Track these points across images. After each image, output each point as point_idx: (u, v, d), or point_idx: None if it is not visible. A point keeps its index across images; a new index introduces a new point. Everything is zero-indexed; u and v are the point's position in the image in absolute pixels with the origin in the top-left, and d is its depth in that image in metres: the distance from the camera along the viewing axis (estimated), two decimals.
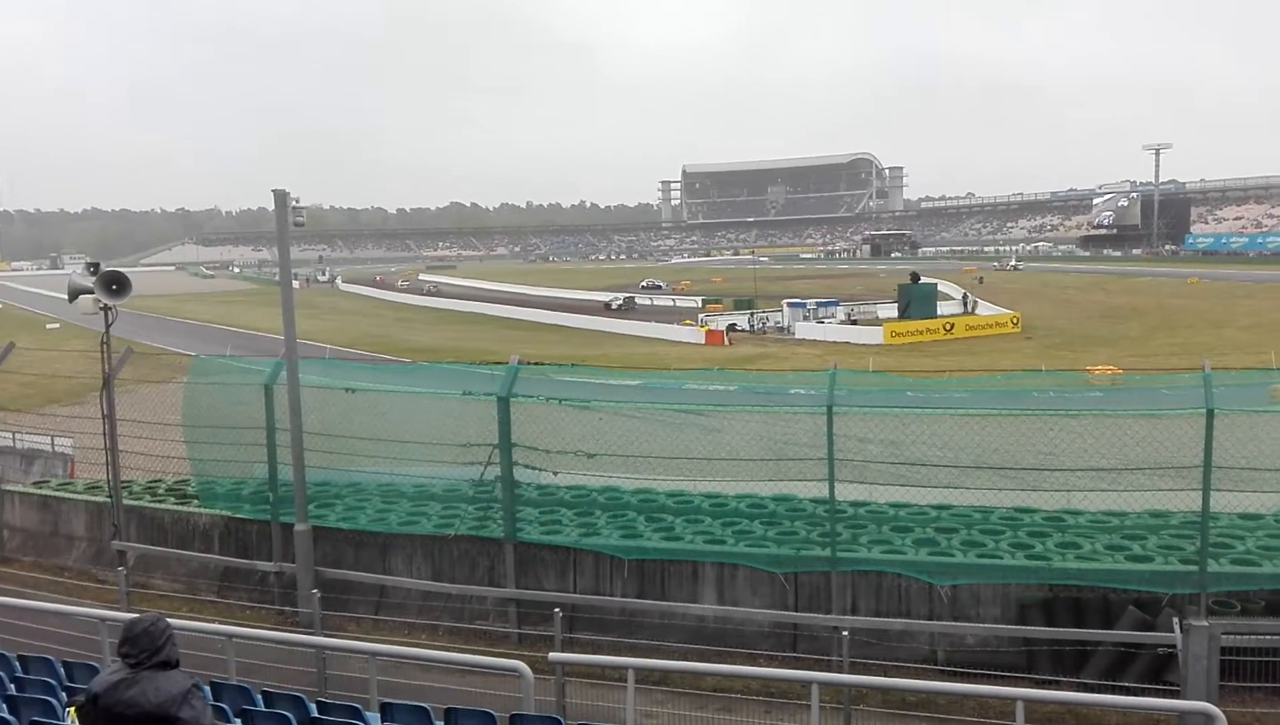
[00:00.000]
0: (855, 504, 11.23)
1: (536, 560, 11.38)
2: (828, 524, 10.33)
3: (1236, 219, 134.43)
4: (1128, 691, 8.57)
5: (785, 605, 10.52)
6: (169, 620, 5.07)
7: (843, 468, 9.99)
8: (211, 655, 8.36)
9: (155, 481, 14.53)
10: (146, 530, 13.52)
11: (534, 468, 11.37)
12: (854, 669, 8.74)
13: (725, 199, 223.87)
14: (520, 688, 7.46)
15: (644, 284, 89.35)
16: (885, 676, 8.65)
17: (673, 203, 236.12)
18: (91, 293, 11.65)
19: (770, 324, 55.59)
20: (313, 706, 6.80)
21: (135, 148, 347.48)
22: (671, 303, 73.82)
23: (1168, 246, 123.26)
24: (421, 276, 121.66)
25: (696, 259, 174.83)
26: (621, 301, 70.11)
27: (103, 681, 4.91)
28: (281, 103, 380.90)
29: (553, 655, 8.32)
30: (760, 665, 9.39)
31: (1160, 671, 9.08)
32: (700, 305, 67.50)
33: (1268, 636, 8.56)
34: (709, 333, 50.98)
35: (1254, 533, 10.42)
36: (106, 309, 11.78)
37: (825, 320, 53.58)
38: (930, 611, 10.15)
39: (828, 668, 9.19)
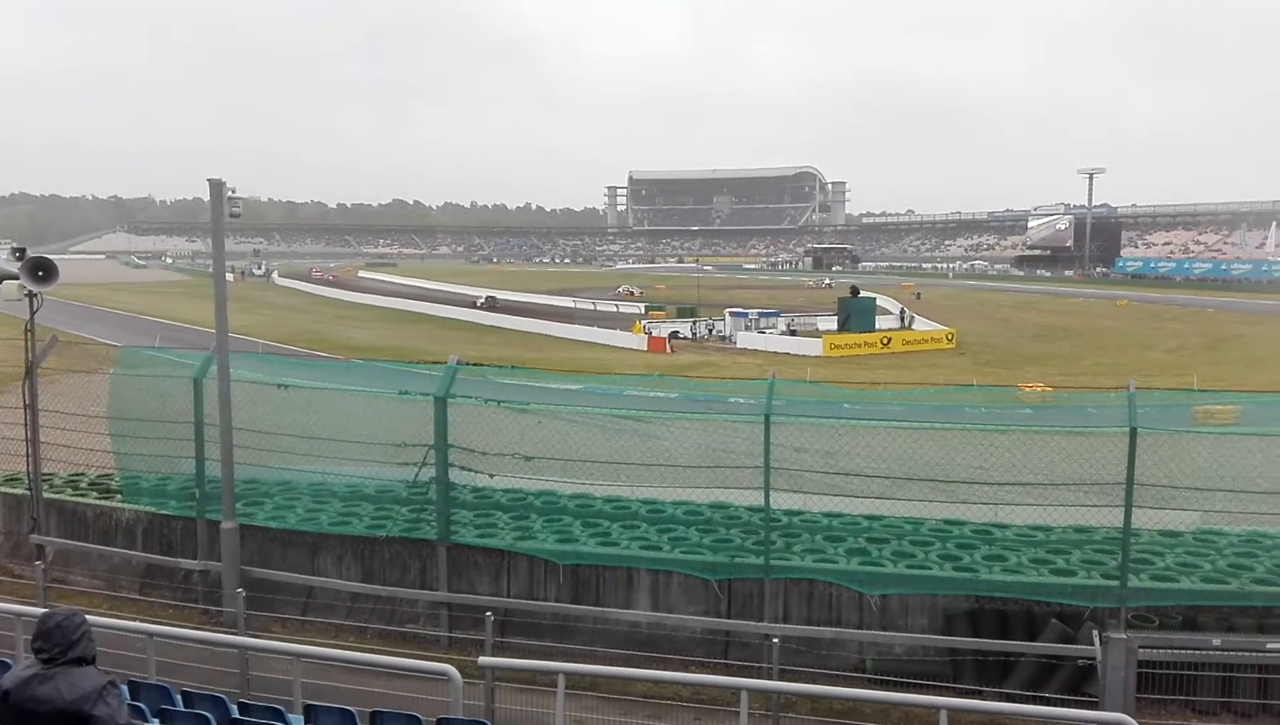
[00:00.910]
0: (790, 513, 11.36)
1: (470, 564, 11.28)
2: (762, 532, 10.40)
3: (1165, 244, 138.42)
4: (1048, 702, 8.74)
5: (718, 612, 10.57)
6: (86, 616, 4.93)
7: (778, 477, 10.07)
8: (131, 654, 8.14)
9: (78, 475, 14.12)
10: (67, 525, 13.13)
11: (470, 470, 11.27)
12: (783, 676, 8.81)
13: (671, 207, 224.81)
14: (449, 691, 7.39)
15: (620, 290, 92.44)
16: (814, 684, 8.72)
17: (619, 208, 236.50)
18: (16, 278, 11.30)
19: (713, 332, 55.92)
20: (234, 708, 6.67)
21: (66, 132, 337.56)
22: (615, 309, 74.02)
23: (1099, 268, 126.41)
24: (360, 273, 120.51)
25: (641, 265, 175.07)
26: (484, 300, 74.19)
27: (14, 677, 4.76)
28: (221, 92, 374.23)
29: (482, 659, 8.25)
30: (692, 672, 9.43)
31: (1080, 683, 9.30)
32: (643, 312, 67.65)
33: (1183, 650, 8.82)
34: (651, 339, 51.03)
35: (1173, 549, 10.73)
36: (31, 296, 11.43)
37: (767, 330, 53.98)
38: (860, 620, 10.28)
39: (758, 675, 9.23)
